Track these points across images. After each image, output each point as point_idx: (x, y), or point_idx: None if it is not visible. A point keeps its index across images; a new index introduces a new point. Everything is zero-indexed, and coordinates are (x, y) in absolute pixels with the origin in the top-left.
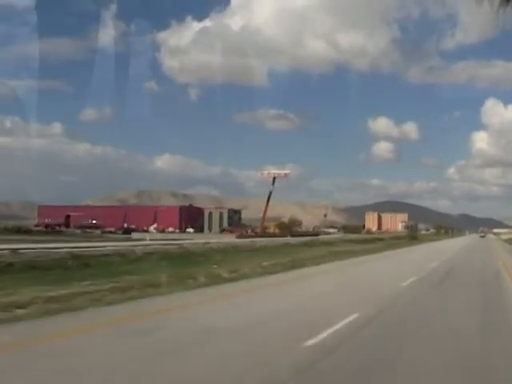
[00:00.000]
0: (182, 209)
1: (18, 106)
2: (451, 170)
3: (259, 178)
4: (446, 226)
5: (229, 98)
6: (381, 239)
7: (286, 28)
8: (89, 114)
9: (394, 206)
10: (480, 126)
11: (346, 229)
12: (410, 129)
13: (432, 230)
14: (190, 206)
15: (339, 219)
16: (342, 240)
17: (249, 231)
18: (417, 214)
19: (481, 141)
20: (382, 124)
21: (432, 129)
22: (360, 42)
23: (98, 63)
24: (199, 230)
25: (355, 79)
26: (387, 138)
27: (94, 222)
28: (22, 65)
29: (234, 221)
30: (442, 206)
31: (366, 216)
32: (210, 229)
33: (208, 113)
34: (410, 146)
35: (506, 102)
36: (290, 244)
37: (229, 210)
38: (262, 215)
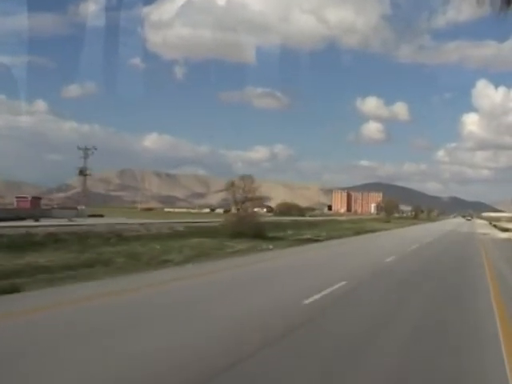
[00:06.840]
0: None
1: (2, 82)
2: (441, 153)
3: None
4: (417, 206)
5: (215, 75)
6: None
7: (274, 3)
8: (74, 91)
9: (382, 188)
10: (471, 108)
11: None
12: (400, 110)
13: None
14: None
15: (327, 201)
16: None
17: None
18: (405, 196)
19: (472, 123)
20: (371, 104)
21: (422, 110)
22: (350, 18)
23: (83, 39)
24: None
25: (345, 57)
26: (377, 119)
27: None
28: (4, 40)
29: None
30: (432, 188)
31: (334, 195)
32: None
33: (194, 91)
34: (400, 127)
35: (497, 84)
36: None
37: None
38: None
